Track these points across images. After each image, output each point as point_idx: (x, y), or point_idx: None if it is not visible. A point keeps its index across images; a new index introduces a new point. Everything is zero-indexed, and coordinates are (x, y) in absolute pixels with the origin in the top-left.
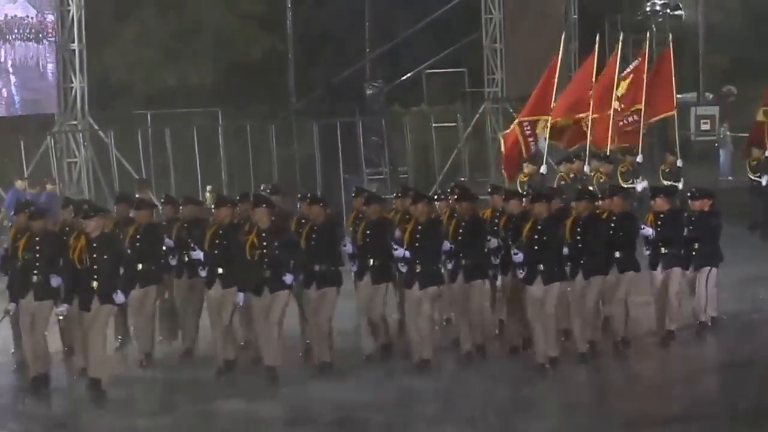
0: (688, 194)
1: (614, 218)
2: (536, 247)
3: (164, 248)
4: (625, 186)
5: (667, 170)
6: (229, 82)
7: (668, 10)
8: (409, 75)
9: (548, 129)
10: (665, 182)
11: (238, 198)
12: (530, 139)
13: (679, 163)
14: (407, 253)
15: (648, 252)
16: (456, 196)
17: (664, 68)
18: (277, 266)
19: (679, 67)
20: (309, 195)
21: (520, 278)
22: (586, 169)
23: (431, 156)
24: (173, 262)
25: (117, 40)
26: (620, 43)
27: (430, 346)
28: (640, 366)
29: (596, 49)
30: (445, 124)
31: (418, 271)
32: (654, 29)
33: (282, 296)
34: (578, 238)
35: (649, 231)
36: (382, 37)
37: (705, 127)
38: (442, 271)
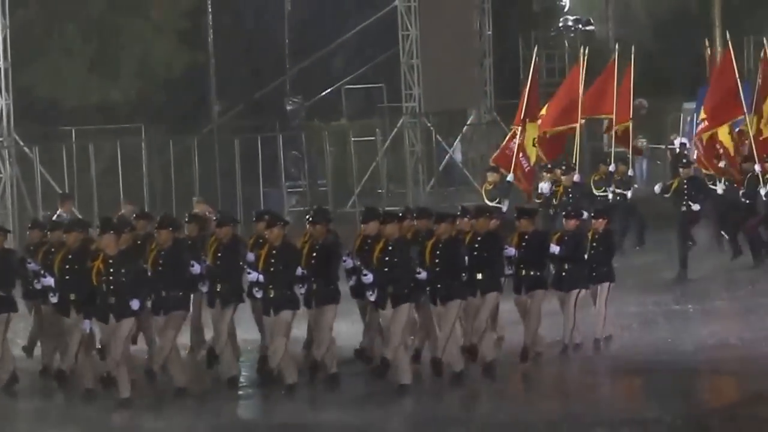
0: (563, 213)
1: (478, 239)
2: (386, 269)
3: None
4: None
5: (597, 178)
6: (152, 97)
7: (580, 26)
8: (328, 90)
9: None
10: (596, 191)
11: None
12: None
13: (630, 172)
14: (261, 277)
15: (510, 273)
16: (311, 219)
17: (573, 83)
18: (123, 293)
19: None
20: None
21: (371, 301)
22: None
23: (350, 170)
24: (38, 286)
25: (42, 57)
26: (535, 58)
27: (294, 370)
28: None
29: (583, 62)
30: (364, 139)
31: (271, 296)
32: (567, 45)
33: (176, 317)
34: (436, 261)
35: (511, 251)
36: (302, 52)
37: None
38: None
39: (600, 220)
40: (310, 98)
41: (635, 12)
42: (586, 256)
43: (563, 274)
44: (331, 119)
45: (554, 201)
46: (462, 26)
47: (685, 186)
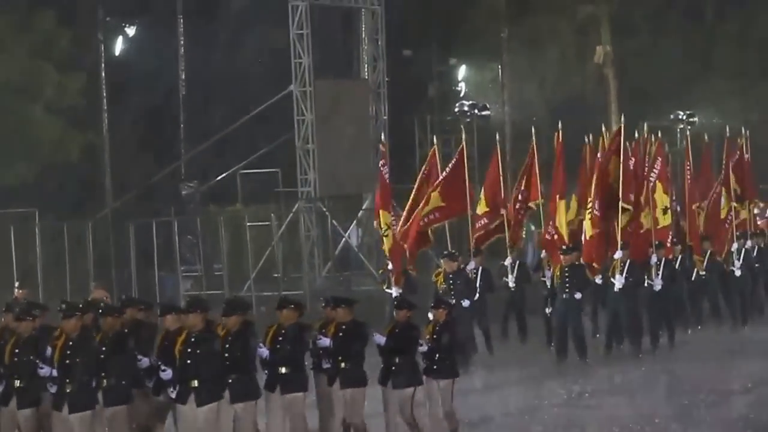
0: (395, 303)
1: (342, 327)
2: (189, 362)
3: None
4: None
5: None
6: (46, 181)
7: (476, 111)
8: (223, 175)
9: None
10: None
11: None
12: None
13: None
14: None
15: (327, 365)
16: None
17: (459, 169)
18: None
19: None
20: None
21: (171, 397)
22: (471, 266)
23: (245, 254)
24: None
25: None
26: (435, 145)
27: None
28: None
29: (463, 150)
30: (260, 223)
31: (67, 391)
32: (463, 130)
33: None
34: (277, 347)
35: (326, 342)
36: (197, 136)
37: None
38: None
39: (440, 309)
40: (205, 183)
41: (530, 97)
42: (426, 348)
43: (392, 368)
44: (226, 204)
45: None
46: (357, 111)
47: (567, 274)
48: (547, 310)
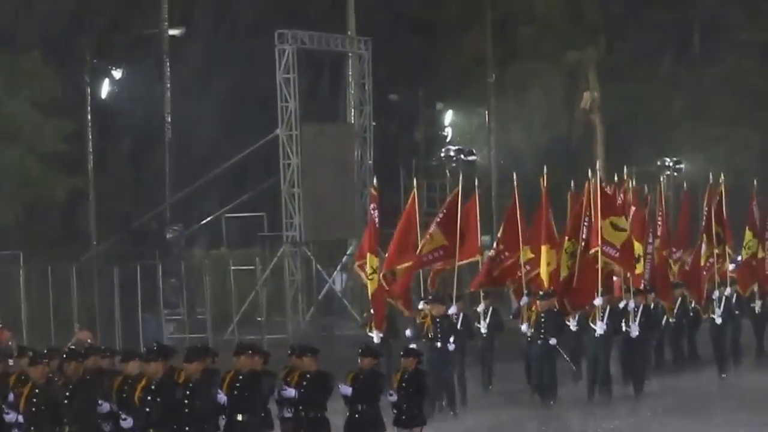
0: (360, 351)
1: (307, 377)
2: (148, 410)
3: None
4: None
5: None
6: (31, 223)
7: (462, 156)
8: (209, 219)
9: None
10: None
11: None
12: None
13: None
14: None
15: (289, 414)
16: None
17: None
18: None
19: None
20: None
21: None
22: (452, 310)
23: (229, 298)
24: None
25: None
26: (416, 189)
27: None
28: None
29: (415, 196)
30: (244, 267)
31: None
32: (449, 175)
33: None
34: (234, 393)
35: (291, 392)
36: (183, 180)
37: None
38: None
39: (410, 358)
40: (190, 226)
41: (517, 142)
42: (395, 398)
43: (356, 416)
44: (211, 247)
45: (423, 332)
46: (343, 155)
47: (542, 319)
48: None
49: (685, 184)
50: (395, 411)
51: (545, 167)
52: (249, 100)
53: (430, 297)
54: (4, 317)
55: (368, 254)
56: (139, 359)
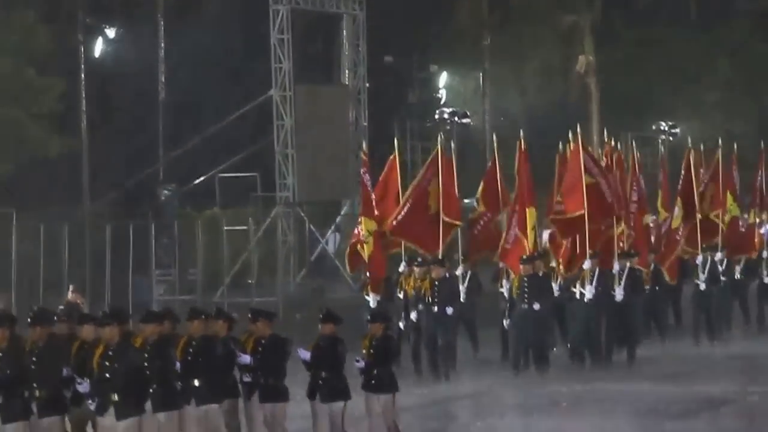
0: (320, 316)
1: (262, 342)
2: (107, 375)
3: None
4: None
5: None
6: (24, 181)
7: (456, 118)
8: (202, 178)
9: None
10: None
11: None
12: None
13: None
14: None
15: (248, 379)
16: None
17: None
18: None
19: (467, 173)
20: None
21: (92, 410)
22: (459, 270)
23: (221, 259)
24: None
25: None
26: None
27: None
28: None
29: (396, 156)
30: (237, 228)
31: None
32: (442, 136)
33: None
34: (188, 359)
35: (246, 359)
36: (176, 140)
37: None
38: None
39: (377, 324)
40: (183, 186)
41: (511, 105)
42: (362, 364)
43: (319, 383)
44: (204, 207)
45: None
46: (337, 116)
47: (525, 283)
48: (505, 322)
49: (661, 149)
50: (364, 377)
51: (521, 132)
52: (243, 60)
53: (419, 260)
54: None
55: (363, 218)
56: (94, 323)
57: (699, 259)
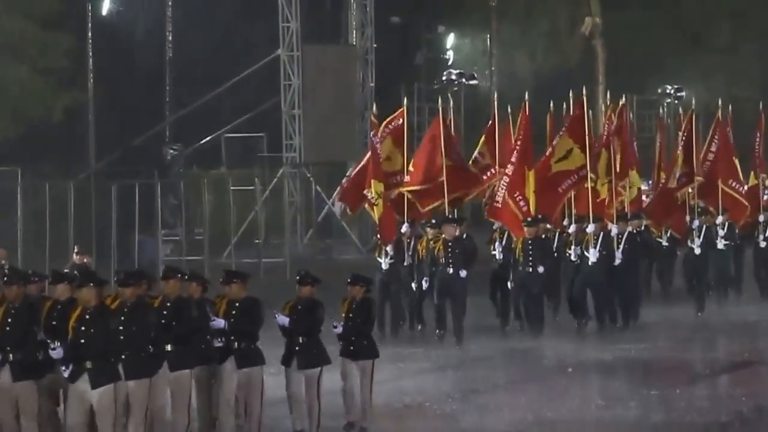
0: (297, 278)
1: (236, 305)
2: (83, 341)
3: None
4: None
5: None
6: (30, 140)
7: (464, 80)
8: (208, 138)
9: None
10: None
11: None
12: None
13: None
14: None
15: (220, 343)
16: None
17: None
18: None
19: (474, 134)
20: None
21: (65, 377)
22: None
23: (228, 219)
24: None
25: None
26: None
27: None
28: None
29: (442, 118)
30: (243, 188)
31: None
32: (450, 98)
33: None
34: (162, 322)
35: (220, 323)
36: (183, 100)
37: None
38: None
39: (357, 286)
40: (189, 146)
41: (518, 67)
42: (340, 329)
43: (296, 349)
44: (210, 168)
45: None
46: (345, 77)
47: (530, 247)
48: (509, 284)
49: (661, 110)
50: (343, 342)
51: (526, 94)
52: (250, 19)
53: (433, 221)
54: (1, 234)
55: (372, 180)
56: (69, 283)
57: (695, 223)
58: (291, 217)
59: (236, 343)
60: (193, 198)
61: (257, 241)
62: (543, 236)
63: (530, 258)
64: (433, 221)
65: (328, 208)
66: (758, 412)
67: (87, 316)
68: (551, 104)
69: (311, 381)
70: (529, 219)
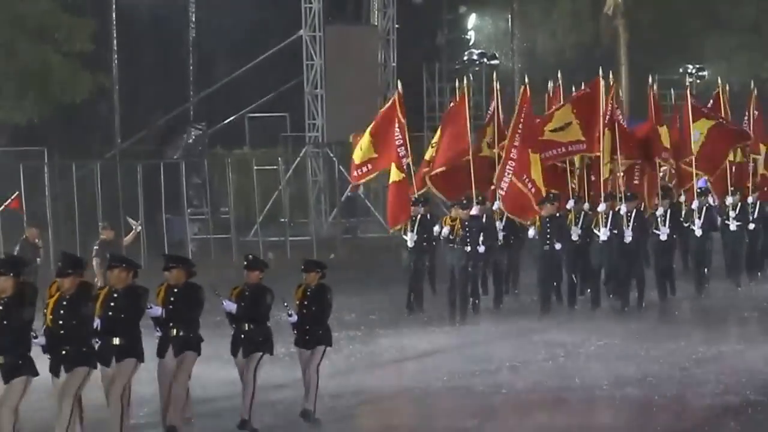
0: (245, 263)
1: (174, 291)
2: (62, 330)
3: None
4: None
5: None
6: (56, 120)
7: (485, 60)
8: (231, 118)
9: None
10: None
11: None
12: None
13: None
14: None
15: (158, 334)
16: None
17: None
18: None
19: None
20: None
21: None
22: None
23: (252, 198)
24: None
25: None
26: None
27: None
28: None
29: (467, 97)
30: (267, 167)
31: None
32: (471, 78)
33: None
34: (109, 314)
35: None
36: (206, 80)
37: None
38: None
39: (313, 273)
40: (213, 126)
41: (540, 47)
42: (295, 318)
43: (242, 336)
44: (234, 147)
45: (451, 236)
46: (366, 57)
47: (548, 225)
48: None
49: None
50: (297, 332)
51: (526, 77)
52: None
53: (464, 200)
54: (29, 212)
55: (394, 165)
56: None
57: (695, 204)
58: (315, 197)
59: (174, 331)
60: (217, 177)
61: (283, 219)
62: (557, 214)
63: (547, 235)
64: (464, 201)
65: (350, 187)
66: None
67: (64, 302)
68: (573, 86)
69: (251, 361)
70: (544, 197)
